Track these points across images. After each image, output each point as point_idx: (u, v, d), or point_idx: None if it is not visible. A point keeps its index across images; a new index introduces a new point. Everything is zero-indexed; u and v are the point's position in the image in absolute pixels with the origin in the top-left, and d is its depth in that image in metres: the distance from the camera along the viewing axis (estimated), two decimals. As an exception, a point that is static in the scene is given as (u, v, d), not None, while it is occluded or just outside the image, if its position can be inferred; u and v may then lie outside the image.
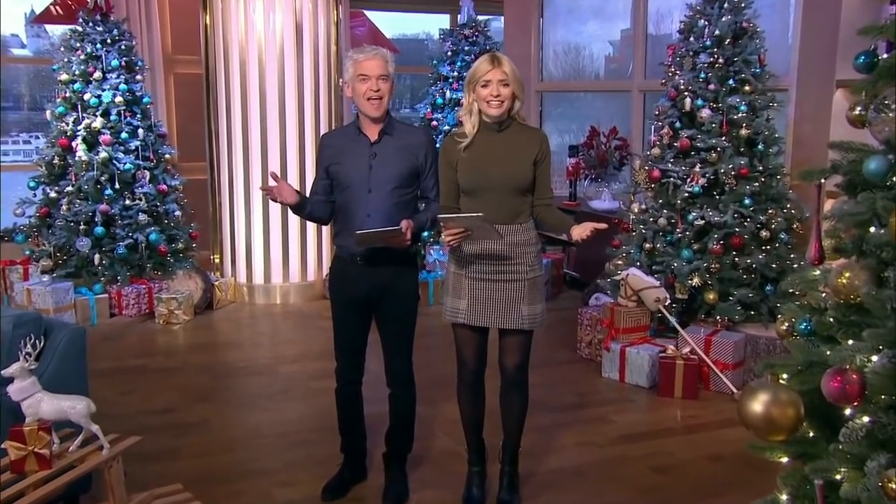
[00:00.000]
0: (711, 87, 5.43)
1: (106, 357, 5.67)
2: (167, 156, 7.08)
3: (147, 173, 6.83)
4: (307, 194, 3.54)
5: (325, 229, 7.36)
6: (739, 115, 5.37)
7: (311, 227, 7.29)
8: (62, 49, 6.89)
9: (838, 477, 2.05)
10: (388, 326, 3.53)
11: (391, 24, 10.75)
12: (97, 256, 6.60)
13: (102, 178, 6.63)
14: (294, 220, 7.17)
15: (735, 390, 4.80)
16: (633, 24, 7.74)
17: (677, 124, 5.58)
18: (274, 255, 7.26)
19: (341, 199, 3.47)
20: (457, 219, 3.20)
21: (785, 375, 2.33)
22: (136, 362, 5.64)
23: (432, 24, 12.29)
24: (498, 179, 3.29)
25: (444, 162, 3.41)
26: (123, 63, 6.85)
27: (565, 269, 7.80)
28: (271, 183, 3.42)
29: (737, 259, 5.31)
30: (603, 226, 3.22)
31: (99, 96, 6.71)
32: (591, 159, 7.73)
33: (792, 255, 5.37)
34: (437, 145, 3.51)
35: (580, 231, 3.22)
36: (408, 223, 3.29)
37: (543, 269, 3.50)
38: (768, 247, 5.36)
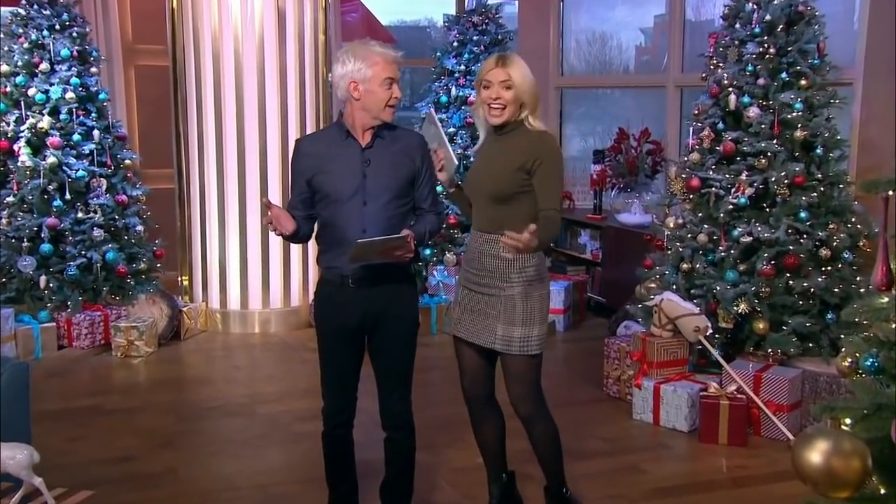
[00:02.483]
0: (760, 81, 5.42)
1: (53, 397, 5.64)
2: (127, 161, 7.08)
3: (103, 181, 6.83)
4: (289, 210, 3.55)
5: (312, 247, 7.31)
6: (794, 114, 5.35)
7: (294, 245, 7.21)
8: (1, 36, 6.89)
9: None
10: (383, 358, 3.53)
11: (388, 9, 10.79)
12: (43, 278, 6.59)
13: (50, 186, 6.62)
14: (276, 237, 7.12)
15: (791, 436, 4.79)
16: (669, 8, 7.76)
17: (720, 125, 5.57)
18: (252, 277, 7.27)
19: (328, 214, 3.47)
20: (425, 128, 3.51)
21: (848, 420, 2.31)
22: (88, 402, 5.60)
23: (435, 10, 12.32)
24: (480, 186, 3.52)
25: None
26: (75, 53, 6.85)
27: (589, 293, 7.80)
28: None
29: (791, 282, 5.28)
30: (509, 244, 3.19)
31: (46, 92, 6.72)
32: (619, 166, 7.73)
33: (857, 278, 5.34)
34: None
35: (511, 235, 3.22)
36: (410, 232, 3.35)
37: (530, 289, 3.49)
38: (829, 268, 5.33)
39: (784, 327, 5.27)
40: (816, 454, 2.11)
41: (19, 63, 6.76)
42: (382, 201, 3.40)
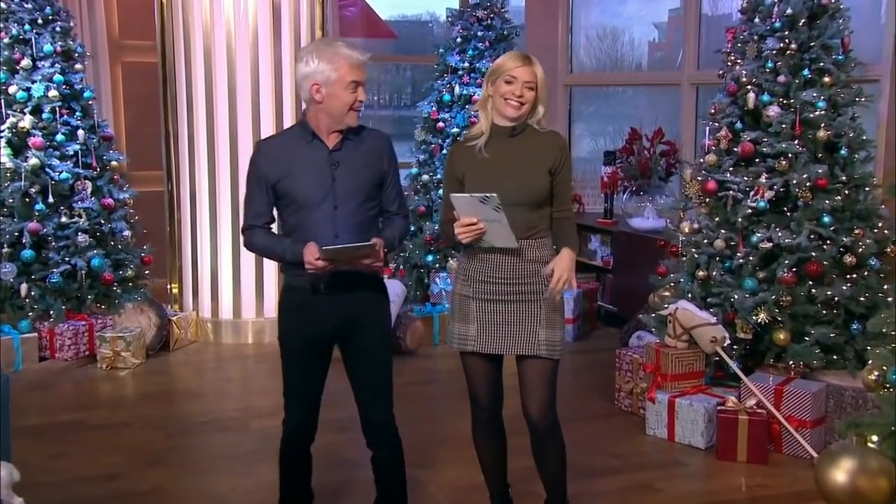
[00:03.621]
0: (781, 78, 5.41)
1: (34, 411, 5.63)
2: (114, 163, 7.08)
3: (88, 184, 6.83)
4: (250, 222, 3.53)
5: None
6: (816, 112, 5.34)
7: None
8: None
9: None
10: (362, 369, 3.55)
11: (388, 2, 10.80)
12: (24, 286, 6.58)
13: (32, 189, 6.61)
14: None
15: (814, 454, 4.77)
16: (684, 2, 7.77)
17: (738, 125, 5.56)
18: (245, 285, 7.26)
19: (296, 221, 3.47)
20: (471, 199, 3.32)
21: (875, 437, 2.29)
22: (72, 417, 5.59)
23: (438, 4, 12.33)
24: (511, 192, 3.43)
25: (449, 176, 3.62)
26: (59, 49, 6.86)
27: (599, 302, 7.80)
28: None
29: (814, 290, 5.26)
30: (572, 286, 3.45)
31: (28, 89, 6.71)
32: (631, 168, 7.73)
33: (884, 287, 5.31)
34: (444, 152, 3.58)
35: (553, 269, 3.42)
36: (380, 239, 3.38)
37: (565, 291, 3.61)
38: (854, 275, 5.30)
39: (806, 338, 5.25)
40: (841, 473, 2.10)
41: (-1, 59, 6.77)
42: (353, 205, 3.43)
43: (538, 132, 3.57)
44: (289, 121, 7.15)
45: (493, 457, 3.79)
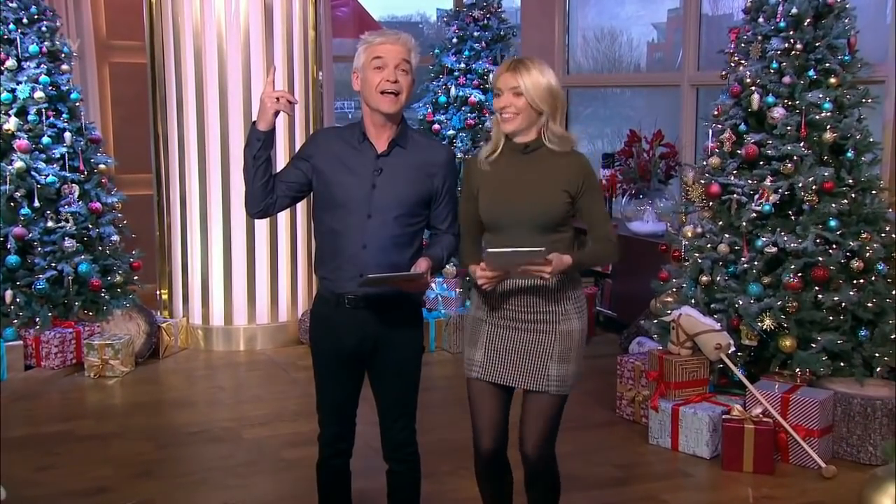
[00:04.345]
0: (786, 79, 5.40)
1: (20, 422, 5.60)
2: (102, 166, 7.04)
3: (76, 188, 6.79)
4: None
5: (301, 259, 7.30)
6: (822, 114, 5.34)
7: (282, 256, 7.31)
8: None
9: None
10: (385, 386, 3.46)
11: (379, 3, 10.78)
12: (9, 293, 6.53)
13: (18, 193, 6.57)
14: (263, 247, 7.22)
15: (822, 464, 4.77)
16: (684, 2, 7.77)
17: (742, 127, 5.56)
18: (237, 291, 7.25)
19: (328, 220, 3.38)
20: (510, 254, 3.18)
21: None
22: (58, 428, 5.56)
23: (428, 5, 12.32)
24: (523, 213, 3.32)
25: (466, 187, 3.43)
26: (45, 49, 6.81)
27: (598, 307, 7.81)
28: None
29: (820, 296, 5.26)
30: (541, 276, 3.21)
31: (13, 91, 6.65)
32: (630, 171, 7.74)
33: (893, 292, 5.32)
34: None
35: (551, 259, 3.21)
36: (427, 263, 3.26)
37: (583, 321, 3.46)
38: (861, 280, 5.30)
39: (813, 345, 5.24)
40: (888, 500, 2.03)
41: (-17, 60, 6.71)
42: (389, 216, 3.30)
43: (555, 151, 3.35)
44: (281, 122, 7.05)
45: (501, 496, 3.60)
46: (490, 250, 3.21)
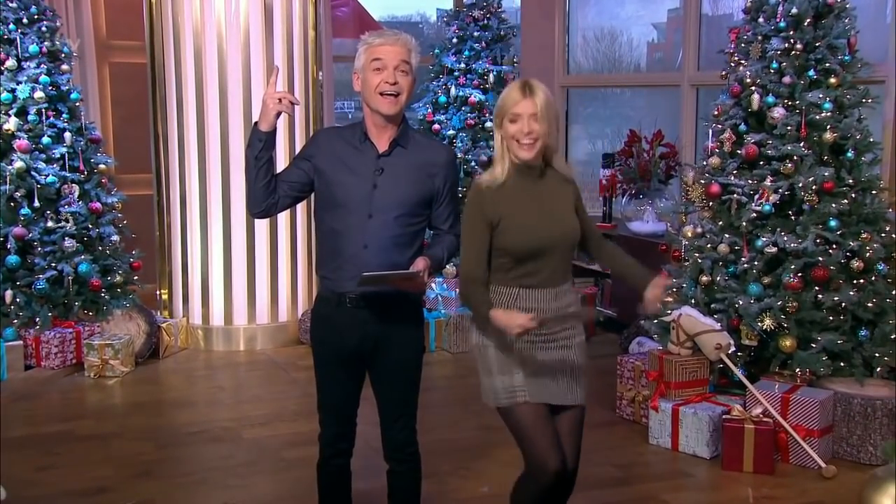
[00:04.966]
0: (786, 79, 5.41)
1: (19, 422, 5.59)
2: (102, 166, 7.04)
3: (76, 188, 6.79)
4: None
5: (301, 259, 7.30)
6: (822, 114, 5.34)
7: (282, 256, 7.31)
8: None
9: None
10: (386, 386, 3.46)
11: (379, 3, 10.77)
12: (9, 293, 6.53)
13: (18, 193, 6.57)
14: (263, 247, 7.21)
15: (822, 464, 4.76)
16: (684, 2, 7.75)
17: (742, 127, 5.56)
18: (237, 291, 7.25)
19: (329, 220, 3.39)
20: (388, 275, 3.18)
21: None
22: (59, 428, 5.56)
23: (428, 5, 12.32)
24: (561, 238, 3.29)
25: (479, 219, 3.25)
26: (45, 49, 6.81)
27: (598, 307, 7.79)
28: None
29: (820, 296, 5.26)
30: (667, 282, 3.29)
31: (13, 91, 6.66)
32: (630, 171, 7.72)
33: (893, 292, 5.32)
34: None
35: (654, 295, 3.23)
36: (425, 262, 3.26)
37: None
38: (861, 281, 5.30)
39: (813, 345, 5.24)
40: (888, 500, 2.03)
41: (-17, 60, 6.72)
42: (390, 216, 3.30)
43: (555, 170, 3.34)
44: (281, 122, 7.03)
45: None
46: (365, 274, 3.12)
